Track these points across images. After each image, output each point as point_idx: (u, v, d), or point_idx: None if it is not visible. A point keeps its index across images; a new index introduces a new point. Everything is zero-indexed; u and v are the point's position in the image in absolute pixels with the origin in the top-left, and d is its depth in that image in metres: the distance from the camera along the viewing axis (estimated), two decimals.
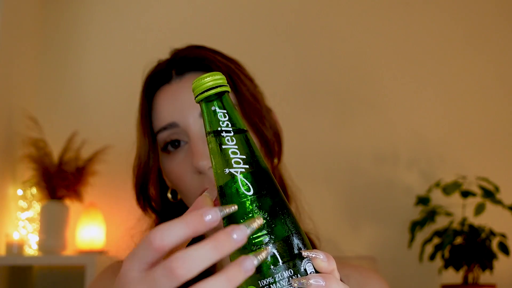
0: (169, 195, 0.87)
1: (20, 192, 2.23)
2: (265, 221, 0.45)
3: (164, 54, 0.89)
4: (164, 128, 0.81)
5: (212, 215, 0.42)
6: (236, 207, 0.43)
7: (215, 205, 0.77)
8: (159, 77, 0.85)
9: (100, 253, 2.13)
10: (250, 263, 0.41)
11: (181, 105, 0.81)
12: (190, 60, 0.84)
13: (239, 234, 0.41)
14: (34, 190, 2.22)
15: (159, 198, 0.87)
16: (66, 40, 2.51)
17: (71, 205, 2.17)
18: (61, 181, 2.11)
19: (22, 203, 2.23)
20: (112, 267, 0.90)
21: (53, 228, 2.10)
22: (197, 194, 0.79)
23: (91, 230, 2.15)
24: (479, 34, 2.38)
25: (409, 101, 2.34)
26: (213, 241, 0.41)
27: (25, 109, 2.30)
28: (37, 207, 2.22)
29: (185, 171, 0.80)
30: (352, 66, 2.39)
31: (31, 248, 2.20)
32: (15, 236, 2.10)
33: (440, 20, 2.41)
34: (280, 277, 0.44)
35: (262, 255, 0.42)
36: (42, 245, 2.09)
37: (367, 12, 2.44)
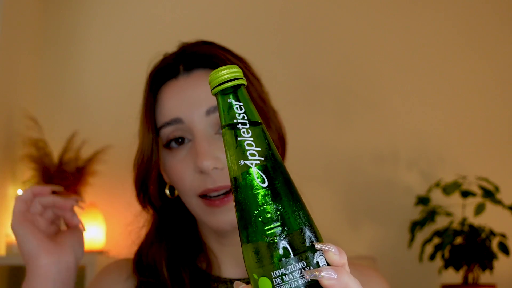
0: (167, 192, 0.86)
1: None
2: (279, 212, 0.46)
3: (157, 53, 0.88)
4: (168, 123, 0.80)
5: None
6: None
7: (214, 204, 0.77)
8: (166, 71, 0.83)
9: (100, 253, 2.13)
10: None
11: (187, 101, 0.79)
12: (199, 56, 0.82)
13: None
14: None
15: (157, 194, 0.86)
16: (66, 40, 2.51)
17: None
18: (61, 181, 2.11)
19: None
20: (109, 267, 0.89)
21: None
22: (197, 193, 0.79)
23: (91, 230, 2.15)
24: (479, 34, 2.38)
25: (409, 101, 2.34)
26: None
27: (25, 109, 2.30)
28: None
29: (187, 169, 0.79)
30: (352, 66, 2.39)
31: None
32: None
33: (440, 21, 2.41)
34: (293, 269, 0.44)
35: None
36: None
37: (368, 12, 2.44)
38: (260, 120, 0.49)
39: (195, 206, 0.80)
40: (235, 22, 2.47)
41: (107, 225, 2.22)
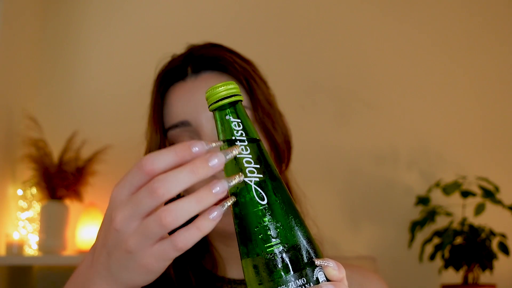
0: None
1: (20, 192, 2.23)
2: (278, 229, 0.46)
3: (165, 55, 0.88)
4: (176, 126, 0.80)
5: (199, 147, 0.46)
6: (236, 151, 0.46)
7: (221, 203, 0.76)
8: (174, 73, 0.84)
9: None
10: (222, 186, 0.45)
11: (195, 104, 0.79)
12: (207, 59, 0.82)
13: (214, 159, 0.45)
14: (34, 190, 2.22)
15: None
16: (66, 40, 2.51)
17: (71, 205, 2.17)
18: (61, 181, 2.11)
19: (22, 203, 2.23)
20: None
21: (53, 228, 2.10)
22: None
23: (91, 230, 2.15)
24: (479, 34, 2.38)
25: (409, 101, 2.34)
26: (191, 165, 0.45)
27: (25, 109, 2.30)
28: (37, 207, 2.22)
29: None
30: (352, 66, 2.39)
31: (31, 248, 2.20)
32: (15, 236, 2.10)
33: (440, 20, 2.41)
34: (293, 286, 0.45)
35: (235, 179, 0.45)
36: (42, 245, 2.09)
37: (367, 12, 2.44)
38: (258, 137, 0.49)
39: None
40: (235, 23, 2.47)
41: None
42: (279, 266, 0.45)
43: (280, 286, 0.45)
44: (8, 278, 2.15)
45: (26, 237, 2.20)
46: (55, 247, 2.09)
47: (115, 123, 2.35)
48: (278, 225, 0.46)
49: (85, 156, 2.18)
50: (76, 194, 2.16)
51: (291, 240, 0.46)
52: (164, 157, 0.45)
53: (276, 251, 0.45)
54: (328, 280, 0.47)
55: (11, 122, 2.23)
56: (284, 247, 0.46)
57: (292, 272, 0.45)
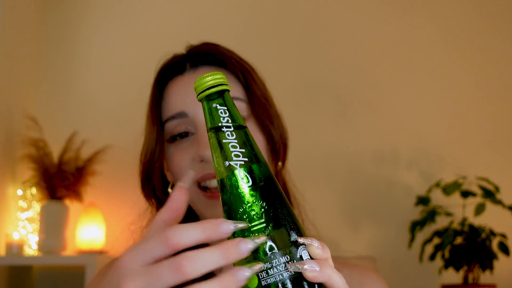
0: (170, 190, 0.87)
1: (20, 192, 2.23)
2: (263, 209, 0.48)
3: (165, 54, 0.89)
4: (173, 117, 0.82)
5: (226, 228, 0.44)
6: (247, 224, 0.46)
7: (215, 196, 0.77)
8: (173, 68, 0.86)
9: (100, 253, 2.13)
10: (243, 274, 0.43)
11: (192, 96, 0.81)
12: (205, 54, 0.85)
13: (245, 245, 0.44)
14: (34, 190, 2.22)
15: (161, 190, 0.87)
16: (66, 40, 2.51)
17: (71, 205, 2.17)
18: (61, 181, 2.11)
19: (22, 203, 2.23)
20: (112, 263, 0.89)
21: (53, 228, 2.10)
22: (196, 178, 0.79)
23: (91, 230, 2.15)
24: (479, 34, 2.38)
25: (409, 101, 2.34)
26: (222, 247, 0.43)
27: (25, 109, 2.30)
28: (37, 207, 2.23)
29: (187, 158, 0.80)
30: (352, 66, 2.39)
31: (31, 248, 2.20)
32: (15, 236, 2.10)
33: (440, 21, 2.41)
34: (277, 263, 0.46)
35: (256, 267, 0.44)
36: (42, 245, 2.09)
37: (368, 11, 2.44)
38: (244, 124, 0.51)
39: (195, 198, 0.81)
40: (234, 23, 2.47)
41: (107, 225, 2.22)
42: (264, 244, 0.47)
43: (265, 263, 0.46)
44: (8, 278, 2.15)
45: (26, 237, 2.20)
46: (55, 247, 2.09)
47: (115, 123, 2.35)
48: (263, 205, 0.48)
49: (85, 156, 2.18)
50: (76, 194, 2.16)
51: (276, 220, 0.48)
52: (191, 233, 0.44)
53: (261, 230, 0.47)
54: (312, 259, 0.48)
55: (11, 122, 2.23)
56: (269, 226, 0.47)
57: (276, 250, 0.46)
